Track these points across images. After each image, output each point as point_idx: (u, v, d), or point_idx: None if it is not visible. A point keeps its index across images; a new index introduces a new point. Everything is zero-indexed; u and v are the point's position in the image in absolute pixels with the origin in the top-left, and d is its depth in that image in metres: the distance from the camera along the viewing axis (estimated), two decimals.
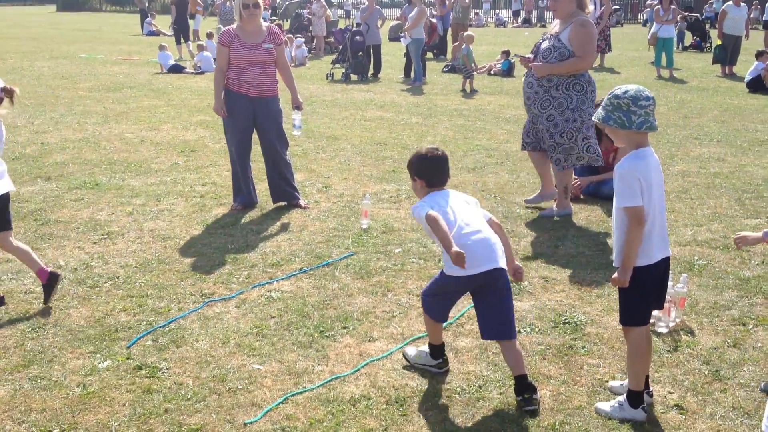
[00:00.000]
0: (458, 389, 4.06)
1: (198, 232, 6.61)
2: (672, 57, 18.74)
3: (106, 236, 6.45)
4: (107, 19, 47.07)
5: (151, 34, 32.29)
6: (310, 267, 5.81)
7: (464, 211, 3.97)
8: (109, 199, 7.51)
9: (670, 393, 4.04)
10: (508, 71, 18.89)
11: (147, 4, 37.62)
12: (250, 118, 7.14)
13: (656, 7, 19.23)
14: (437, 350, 4.24)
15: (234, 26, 7.13)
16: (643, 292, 3.67)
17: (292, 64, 21.03)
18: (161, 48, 19.37)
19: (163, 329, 4.75)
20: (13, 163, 8.89)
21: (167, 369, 4.26)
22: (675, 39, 20.69)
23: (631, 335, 3.75)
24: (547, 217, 7.08)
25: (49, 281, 5.06)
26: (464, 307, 4.95)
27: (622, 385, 3.99)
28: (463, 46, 17.21)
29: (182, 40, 23.57)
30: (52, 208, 7.19)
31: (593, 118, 3.76)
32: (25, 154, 9.39)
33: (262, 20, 7.15)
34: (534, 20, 44.09)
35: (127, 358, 4.37)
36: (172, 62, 18.96)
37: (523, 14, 44.41)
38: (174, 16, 24.06)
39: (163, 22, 35.14)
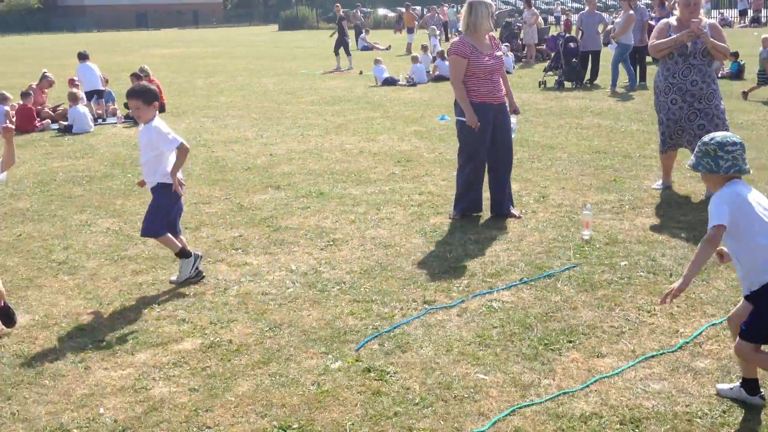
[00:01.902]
0: (699, 413, 3.83)
1: (417, 241, 6.73)
2: None
3: (331, 243, 6.74)
4: (323, 36, 49.37)
5: (365, 48, 33.54)
6: (530, 278, 5.74)
7: None
8: (332, 208, 7.85)
9: None
10: (737, 74, 17.70)
11: (362, 20, 39.12)
12: (491, 125, 7.10)
13: None
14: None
15: (463, 37, 7.13)
16: None
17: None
18: (376, 62, 20.03)
19: (389, 334, 4.88)
20: (245, 173, 9.54)
21: (394, 373, 4.37)
22: None
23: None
24: None
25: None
26: (701, 325, 4.67)
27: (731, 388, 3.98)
28: (761, 49, 15.22)
29: (340, 52, 24.68)
30: (282, 215, 7.62)
31: (687, 164, 3.99)
32: (256, 165, 10.04)
33: None
34: (764, 19, 41.05)
35: (356, 360, 4.53)
36: (386, 75, 19.54)
37: (750, 13, 41.49)
38: (338, 30, 25.17)
39: (376, 37, 36.35)
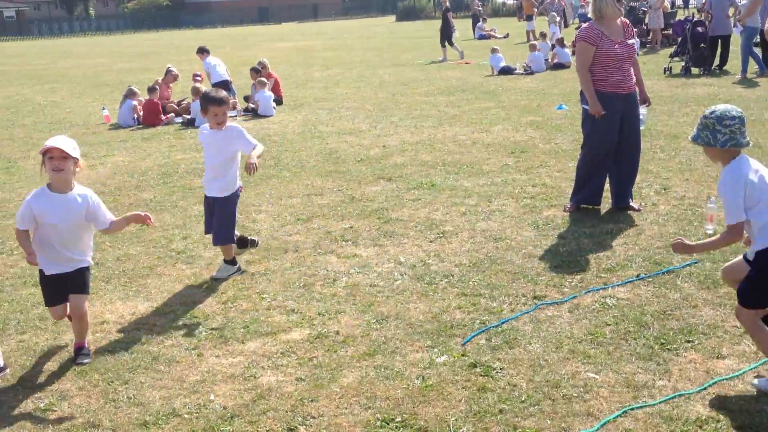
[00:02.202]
0: None
1: (529, 234, 6.58)
2: None
3: (441, 235, 6.68)
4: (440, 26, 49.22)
5: (482, 37, 33.19)
6: (648, 274, 5.51)
7: None
8: (443, 199, 7.78)
9: None
10: None
11: (480, 9, 38.71)
12: (619, 115, 6.82)
13: None
14: None
15: (593, 23, 6.87)
16: None
17: None
18: (493, 51, 19.76)
19: (496, 329, 4.78)
20: (358, 165, 9.60)
21: (501, 369, 4.28)
22: None
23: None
24: None
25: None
26: None
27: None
28: None
29: (446, 43, 24.41)
30: (393, 207, 7.62)
31: (689, 138, 4.11)
32: (369, 156, 10.10)
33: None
34: None
35: (462, 355, 4.46)
36: (502, 64, 19.25)
37: None
38: (443, 21, 24.97)
39: (494, 25, 35.91)
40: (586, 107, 6.88)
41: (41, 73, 28.07)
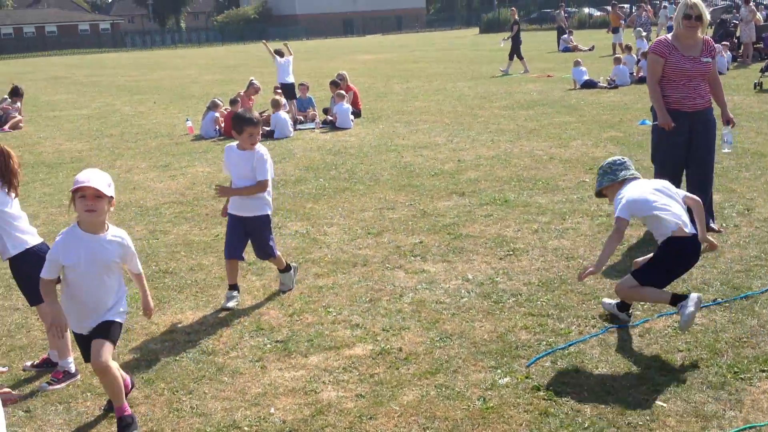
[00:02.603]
0: None
1: None
2: None
3: (511, 252, 6.59)
4: (526, 38, 48.83)
5: (566, 50, 32.74)
6: (725, 299, 5.30)
7: None
8: (516, 216, 7.68)
9: None
10: None
11: (566, 21, 38.23)
12: (685, 134, 6.66)
13: None
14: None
15: (669, 36, 6.72)
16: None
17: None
18: (576, 64, 19.44)
19: (563, 351, 4.68)
20: (432, 179, 9.58)
21: (565, 393, 4.18)
22: None
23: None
24: None
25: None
26: None
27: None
28: None
29: (514, 57, 24.38)
30: (464, 222, 7.56)
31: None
32: (443, 171, 10.06)
33: (700, 33, 6.64)
34: None
35: (526, 377, 4.38)
36: (585, 78, 18.93)
37: None
38: (512, 33, 24.89)
39: (581, 38, 35.41)
40: (656, 122, 6.75)
41: (132, 84, 29.06)
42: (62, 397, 4.41)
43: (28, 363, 4.80)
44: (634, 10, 37.69)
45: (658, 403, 4.01)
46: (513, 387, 4.29)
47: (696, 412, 3.89)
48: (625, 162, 5.17)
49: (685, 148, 6.70)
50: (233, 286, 5.82)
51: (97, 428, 4.06)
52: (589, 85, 18.81)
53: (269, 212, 5.81)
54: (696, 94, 6.62)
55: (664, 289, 4.87)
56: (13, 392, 4.03)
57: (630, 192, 4.92)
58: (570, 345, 4.76)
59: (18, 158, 4.62)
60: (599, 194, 5.28)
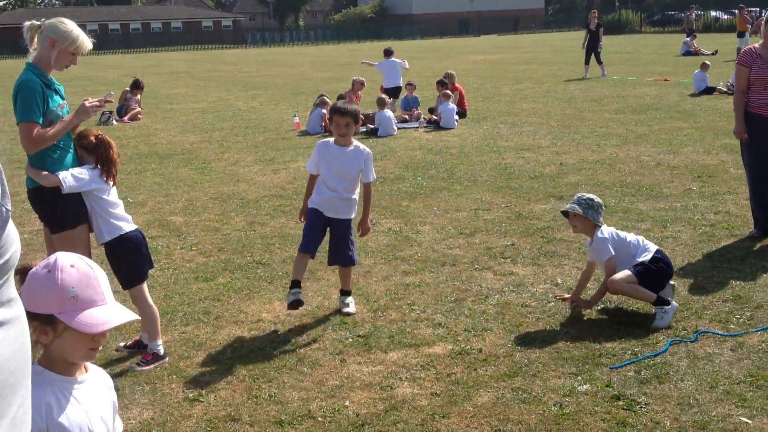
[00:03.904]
0: None
1: (702, 263, 6.20)
2: None
3: None
4: (645, 41, 47.49)
5: (687, 53, 31.60)
6: None
7: None
8: (614, 222, 7.48)
9: None
10: None
11: (693, 24, 36.92)
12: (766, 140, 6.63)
13: None
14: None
15: (758, 45, 6.75)
16: None
17: None
18: (702, 67, 18.63)
19: (648, 361, 4.55)
20: (530, 182, 9.46)
21: (646, 404, 4.06)
22: None
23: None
24: None
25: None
26: None
27: None
28: None
29: (591, 61, 23.78)
30: (559, 226, 7.43)
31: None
32: (543, 174, 9.91)
33: None
34: None
35: (607, 386, 4.28)
36: (706, 85, 18.18)
37: None
38: (587, 38, 24.18)
39: (705, 41, 34.11)
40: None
41: (247, 79, 29.93)
42: (149, 378, 4.61)
43: (122, 344, 5.04)
44: (762, 14, 36.01)
45: (743, 419, 3.85)
46: (592, 395, 4.20)
47: None
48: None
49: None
50: (296, 283, 5.39)
51: (179, 410, 4.23)
52: (709, 91, 18.07)
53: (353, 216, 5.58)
54: None
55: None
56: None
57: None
58: (656, 355, 4.62)
59: (118, 149, 4.85)
60: (566, 215, 5.49)
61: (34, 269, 1.96)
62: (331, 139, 5.49)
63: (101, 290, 1.96)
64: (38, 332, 1.95)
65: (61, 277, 1.90)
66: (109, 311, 1.96)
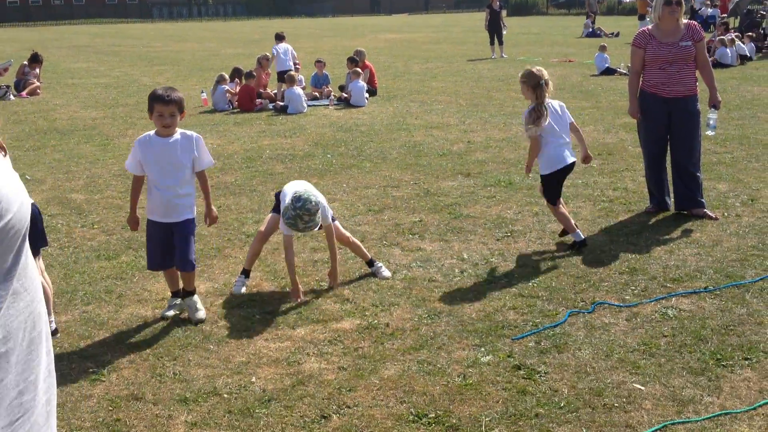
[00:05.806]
0: None
1: (600, 238, 6.42)
2: None
3: (509, 234, 6.59)
4: (552, 22, 48.45)
5: (590, 35, 32.43)
6: (716, 287, 5.28)
7: None
8: (518, 199, 7.67)
9: None
10: None
11: (595, 7, 37.81)
12: (665, 119, 6.87)
13: None
14: None
15: (650, 26, 6.95)
16: None
17: (737, 64, 19.46)
18: (601, 48, 19.17)
19: (548, 332, 4.69)
20: (439, 159, 9.57)
21: (545, 373, 4.20)
22: None
23: None
24: None
25: None
26: None
27: None
28: None
29: (495, 42, 24.21)
30: (466, 203, 7.56)
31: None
32: (451, 151, 10.04)
33: (682, 19, 6.86)
34: None
35: (508, 356, 4.40)
36: (606, 65, 18.72)
37: None
38: (488, 18, 24.33)
39: (607, 24, 35.04)
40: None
41: (152, 55, 29.15)
42: None
43: None
44: None
45: (636, 386, 4.02)
46: (494, 365, 4.31)
47: (673, 396, 3.89)
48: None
49: (664, 133, 6.95)
50: (176, 293, 5.13)
51: (79, 390, 4.13)
52: (610, 72, 18.62)
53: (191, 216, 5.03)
54: (675, 80, 6.78)
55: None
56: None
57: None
58: (556, 325, 4.77)
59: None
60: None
61: None
62: (152, 132, 4.90)
63: None
64: None
65: None
66: None
